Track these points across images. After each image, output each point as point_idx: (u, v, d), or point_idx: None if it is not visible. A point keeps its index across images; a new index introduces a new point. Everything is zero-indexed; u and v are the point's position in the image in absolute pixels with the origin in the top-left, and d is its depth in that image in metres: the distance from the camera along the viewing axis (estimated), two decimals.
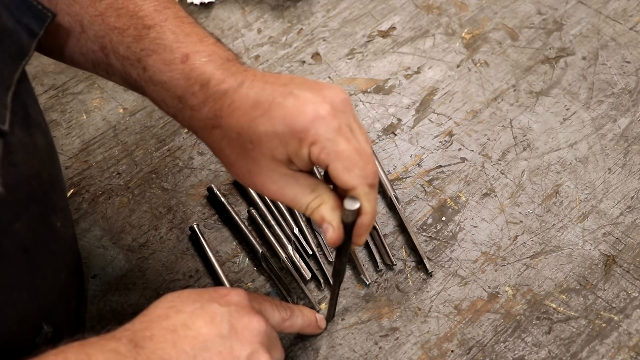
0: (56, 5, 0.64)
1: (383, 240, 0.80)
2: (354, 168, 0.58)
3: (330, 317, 0.74)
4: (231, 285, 0.76)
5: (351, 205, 0.59)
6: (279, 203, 0.82)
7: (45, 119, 0.59)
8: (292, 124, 0.57)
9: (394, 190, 0.83)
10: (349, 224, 0.61)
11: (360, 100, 0.92)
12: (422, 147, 0.88)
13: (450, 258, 0.79)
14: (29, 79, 0.57)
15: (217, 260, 0.79)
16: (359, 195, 0.59)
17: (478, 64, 0.96)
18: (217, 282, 0.77)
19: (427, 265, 0.78)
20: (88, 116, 0.91)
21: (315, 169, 0.65)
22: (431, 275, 0.78)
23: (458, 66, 0.95)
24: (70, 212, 0.63)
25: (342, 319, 0.75)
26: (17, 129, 0.52)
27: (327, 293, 0.77)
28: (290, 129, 0.57)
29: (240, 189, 0.85)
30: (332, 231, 0.61)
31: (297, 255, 0.78)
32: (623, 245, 0.80)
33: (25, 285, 0.53)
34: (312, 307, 0.75)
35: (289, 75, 0.64)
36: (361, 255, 0.79)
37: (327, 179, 0.62)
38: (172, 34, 0.62)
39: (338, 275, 0.69)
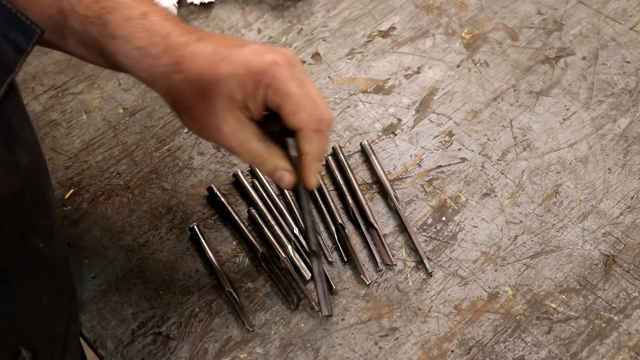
0: None
1: (383, 240, 0.80)
2: (301, 112, 0.64)
3: (325, 307, 0.74)
4: (231, 285, 0.77)
5: (293, 141, 0.67)
6: (279, 203, 0.82)
7: (35, 135, 0.57)
8: (251, 67, 0.63)
9: (394, 190, 0.83)
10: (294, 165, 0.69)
11: (360, 100, 0.92)
12: (422, 147, 0.88)
13: (450, 258, 0.79)
14: (18, 93, 0.55)
15: (217, 260, 0.79)
16: (302, 137, 0.66)
17: (478, 64, 0.96)
18: (217, 282, 0.77)
19: (427, 265, 0.78)
20: (88, 116, 0.91)
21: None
22: (431, 275, 0.78)
23: (458, 66, 0.95)
24: (61, 229, 0.62)
25: (342, 319, 0.75)
26: None
27: None
28: (248, 71, 0.63)
29: (240, 189, 0.85)
30: (288, 176, 0.68)
31: (297, 255, 0.78)
32: (623, 245, 0.80)
33: None
34: (312, 308, 0.75)
35: (245, 39, 0.71)
36: (361, 255, 0.80)
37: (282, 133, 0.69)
38: None
39: (313, 245, 0.72)
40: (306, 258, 0.78)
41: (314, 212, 0.83)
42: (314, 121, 0.65)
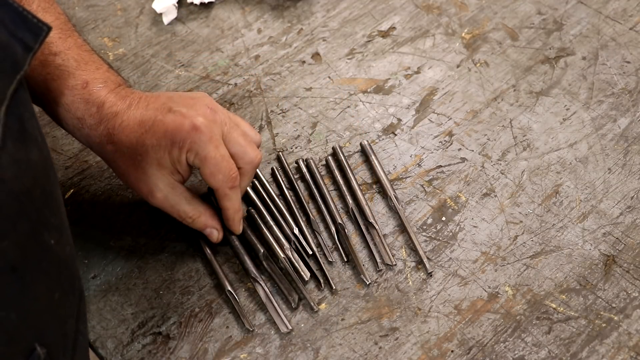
0: None
1: (383, 240, 0.80)
2: (218, 173, 0.71)
3: (283, 324, 0.74)
4: (231, 285, 0.76)
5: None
6: (278, 203, 0.82)
7: (42, 134, 0.58)
8: (173, 136, 0.70)
9: (394, 190, 0.83)
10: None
11: (360, 100, 0.92)
12: (422, 147, 0.88)
13: (450, 258, 0.79)
14: (27, 93, 0.56)
15: (217, 260, 0.79)
16: (220, 195, 0.74)
17: (478, 64, 0.96)
18: (217, 282, 0.77)
19: (427, 265, 0.78)
20: None
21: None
22: (431, 275, 0.78)
23: (458, 66, 0.95)
24: (69, 228, 0.63)
25: (342, 319, 0.75)
26: (11, 143, 0.51)
27: (327, 293, 0.77)
28: (171, 141, 0.70)
29: None
30: (216, 233, 0.77)
31: (295, 255, 0.78)
32: (623, 245, 0.80)
33: (13, 305, 0.52)
34: (311, 308, 0.75)
35: (167, 94, 0.75)
36: (361, 255, 0.80)
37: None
38: (75, 62, 0.72)
39: (251, 273, 0.77)
40: (305, 258, 0.78)
41: (313, 212, 0.83)
42: (229, 180, 0.72)
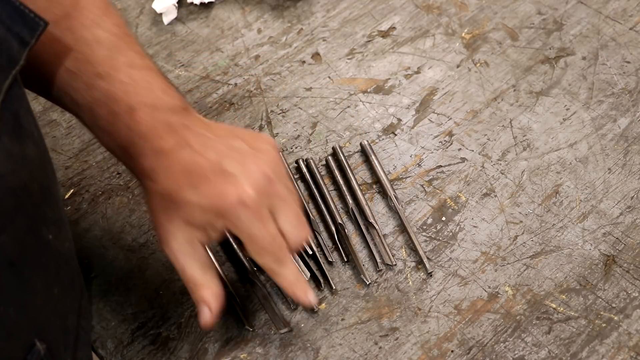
0: None
1: (383, 240, 0.80)
2: (264, 253, 0.64)
3: (281, 324, 0.74)
4: (231, 285, 0.76)
5: None
6: None
7: (39, 129, 0.58)
8: (216, 202, 0.62)
9: (394, 190, 0.83)
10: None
11: (360, 100, 0.92)
12: (422, 147, 0.88)
13: (450, 258, 0.79)
14: (22, 88, 0.56)
15: (217, 260, 0.78)
16: (269, 272, 0.66)
17: (478, 64, 0.96)
18: None
19: (427, 265, 0.78)
20: None
21: None
22: (431, 275, 0.78)
23: (458, 66, 0.95)
24: (67, 224, 0.62)
25: (342, 319, 0.75)
26: (6, 138, 0.51)
27: (327, 293, 0.77)
28: (212, 206, 0.62)
29: None
30: (208, 315, 0.66)
31: (295, 255, 0.78)
32: (623, 245, 0.80)
33: (12, 300, 0.52)
34: (311, 308, 0.75)
35: (229, 138, 0.67)
36: (361, 255, 0.80)
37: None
38: (121, 84, 0.64)
39: (249, 274, 0.76)
40: (306, 258, 0.78)
41: (313, 212, 0.83)
42: (278, 260, 0.65)
